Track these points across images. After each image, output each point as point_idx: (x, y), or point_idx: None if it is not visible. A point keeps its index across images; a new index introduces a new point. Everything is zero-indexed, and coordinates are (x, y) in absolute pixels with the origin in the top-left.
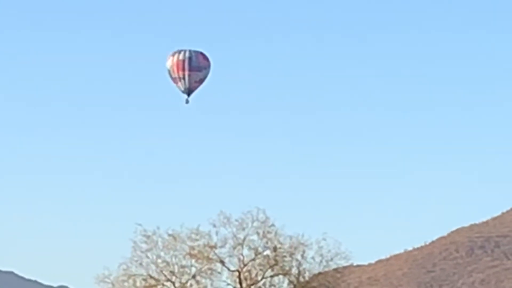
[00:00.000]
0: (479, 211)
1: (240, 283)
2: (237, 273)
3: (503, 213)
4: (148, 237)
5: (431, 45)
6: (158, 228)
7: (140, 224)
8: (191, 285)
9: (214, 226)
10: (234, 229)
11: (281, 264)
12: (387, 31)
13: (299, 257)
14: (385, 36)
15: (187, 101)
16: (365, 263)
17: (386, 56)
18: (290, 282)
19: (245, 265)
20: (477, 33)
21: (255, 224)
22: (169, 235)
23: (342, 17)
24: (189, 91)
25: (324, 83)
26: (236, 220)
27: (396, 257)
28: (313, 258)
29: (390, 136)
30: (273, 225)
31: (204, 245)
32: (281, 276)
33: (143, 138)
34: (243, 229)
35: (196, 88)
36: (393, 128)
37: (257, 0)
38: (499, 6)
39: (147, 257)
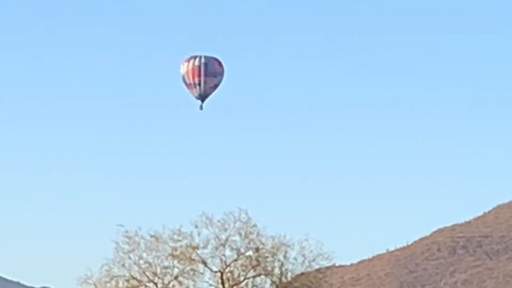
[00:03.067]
0: (461, 211)
1: (223, 283)
2: (219, 274)
3: (485, 213)
4: (130, 238)
5: (424, 46)
6: (140, 229)
7: (122, 225)
8: (173, 286)
9: (196, 227)
10: (216, 230)
11: (263, 265)
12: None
13: (281, 258)
14: (394, 37)
15: (201, 107)
16: (348, 263)
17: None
18: (273, 282)
19: (227, 265)
20: (476, 33)
21: (237, 224)
22: (151, 236)
23: (353, 18)
24: (203, 97)
25: (313, 84)
26: (218, 221)
27: (379, 257)
28: (295, 258)
29: (372, 136)
30: (255, 225)
31: (186, 246)
32: (263, 277)
33: (124, 139)
34: (225, 229)
35: (210, 93)
36: (374, 128)
37: (271, 4)
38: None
39: (130, 258)
